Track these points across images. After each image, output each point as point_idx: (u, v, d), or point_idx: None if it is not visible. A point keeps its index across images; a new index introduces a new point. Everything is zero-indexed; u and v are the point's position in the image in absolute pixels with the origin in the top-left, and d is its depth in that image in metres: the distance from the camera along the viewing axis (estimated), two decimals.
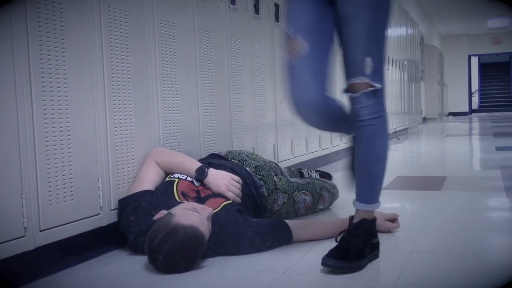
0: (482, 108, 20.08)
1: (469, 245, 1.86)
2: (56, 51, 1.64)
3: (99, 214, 1.82)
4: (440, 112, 14.16)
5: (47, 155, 1.60)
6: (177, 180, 1.94)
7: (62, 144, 1.66)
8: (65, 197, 1.67)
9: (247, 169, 2.19)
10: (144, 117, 2.06)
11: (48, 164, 1.61)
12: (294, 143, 3.59)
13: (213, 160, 2.17)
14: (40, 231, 1.58)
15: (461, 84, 17.46)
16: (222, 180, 1.94)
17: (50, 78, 1.62)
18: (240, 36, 2.86)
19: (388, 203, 2.77)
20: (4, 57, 1.48)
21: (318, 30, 1.60)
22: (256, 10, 3.05)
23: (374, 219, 1.71)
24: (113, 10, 1.90)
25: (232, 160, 2.26)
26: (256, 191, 2.11)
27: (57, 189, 1.64)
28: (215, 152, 2.39)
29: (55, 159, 1.63)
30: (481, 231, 2.07)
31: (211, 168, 1.99)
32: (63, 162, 1.66)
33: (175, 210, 1.66)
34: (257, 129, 3.05)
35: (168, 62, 2.22)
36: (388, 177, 3.51)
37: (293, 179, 2.37)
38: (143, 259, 1.69)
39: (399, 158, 5.27)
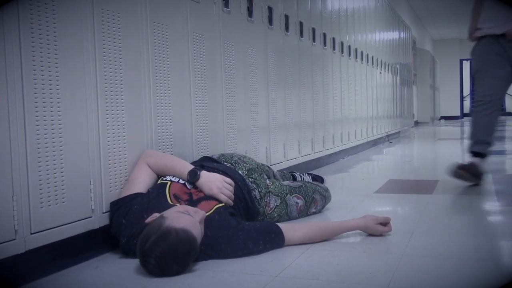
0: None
1: (460, 249, 1.87)
2: (48, 52, 1.63)
3: (90, 217, 1.81)
4: (432, 116, 14.23)
5: (39, 157, 1.60)
6: (169, 182, 1.93)
7: (53, 146, 1.65)
8: (56, 199, 1.66)
9: (240, 172, 2.19)
10: (136, 120, 2.05)
11: (39, 167, 1.60)
12: (286, 146, 3.59)
13: (206, 163, 2.16)
14: (31, 234, 1.56)
15: (453, 88, 17.57)
16: (215, 183, 1.94)
17: (42, 80, 1.61)
18: (233, 39, 2.86)
19: (380, 206, 2.78)
20: None
21: None
22: (250, 13, 3.05)
23: None
24: (106, 12, 1.89)
25: (225, 163, 2.25)
26: (248, 194, 2.11)
27: (49, 192, 1.63)
28: (208, 155, 2.39)
29: (47, 161, 1.62)
30: (472, 235, 2.08)
31: (203, 171, 1.98)
32: (54, 164, 1.65)
33: (168, 213, 1.65)
34: (249, 132, 3.05)
35: (161, 64, 2.22)
36: (380, 180, 3.54)
37: (285, 182, 2.37)
38: (135, 262, 1.69)
39: (391, 161, 5.30)
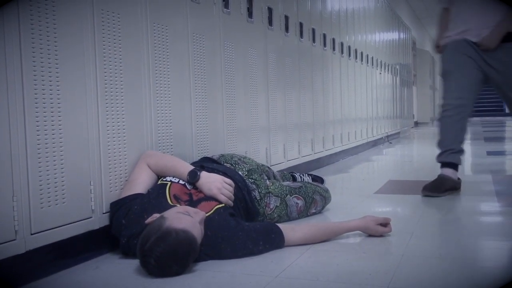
0: (473, 113, 20.16)
1: (460, 249, 1.87)
2: (48, 53, 1.63)
3: (90, 217, 1.81)
4: (432, 116, 14.23)
5: (39, 158, 1.60)
6: (169, 183, 1.93)
7: (53, 147, 1.65)
8: (56, 200, 1.66)
9: (240, 172, 2.19)
10: (136, 120, 2.06)
11: (39, 167, 1.60)
12: (286, 146, 3.59)
13: (206, 164, 2.16)
14: (31, 234, 1.56)
15: None
16: (214, 183, 1.94)
17: (43, 81, 1.61)
18: (233, 39, 2.86)
19: (380, 207, 2.78)
20: None
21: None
22: (250, 14, 3.05)
23: None
24: (106, 13, 1.89)
25: (225, 164, 2.25)
26: (248, 195, 2.10)
27: (49, 192, 1.63)
28: (208, 156, 2.39)
29: (47, 161, 1.62)
30: (472, 235, 2.08)
31: (203, 171, 1.98)
32: (54, 164, 1.65)
33: (168, 214, 1.65)
34: (249, 133, 3.05)
35: (161, 65, 2.22)
36: (380, 181, 3.54)
37: (285, 183, 2.37)
38: (135, 262, 1.69)
39: (391, 162, 5.30)
